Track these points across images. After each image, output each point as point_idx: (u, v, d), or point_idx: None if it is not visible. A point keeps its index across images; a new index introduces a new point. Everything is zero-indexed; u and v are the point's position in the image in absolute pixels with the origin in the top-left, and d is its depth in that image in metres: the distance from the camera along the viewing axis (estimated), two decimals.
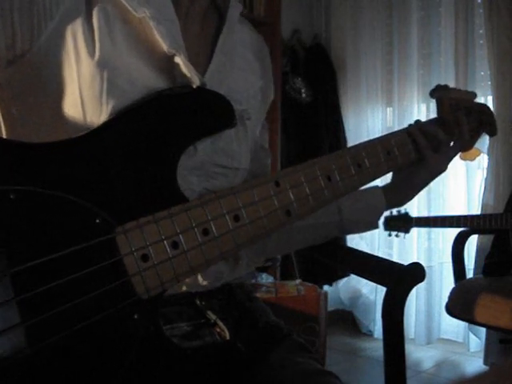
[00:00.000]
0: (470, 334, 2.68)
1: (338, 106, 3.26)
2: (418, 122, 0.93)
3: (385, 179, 0.92)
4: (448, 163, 0.93)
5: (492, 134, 1.04)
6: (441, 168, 0.92)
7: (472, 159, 1.03)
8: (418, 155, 0.89)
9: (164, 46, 0.67)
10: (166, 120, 0.65)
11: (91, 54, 0.64)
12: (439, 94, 0.97)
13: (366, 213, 0.91)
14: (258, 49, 0.87)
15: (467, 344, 2.75)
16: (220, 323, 0.74)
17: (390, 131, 0.92)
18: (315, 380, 0.73)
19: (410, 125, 0.92)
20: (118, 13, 0.67)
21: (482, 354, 2.56)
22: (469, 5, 2.71)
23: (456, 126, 0.93)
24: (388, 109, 3.12)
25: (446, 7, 2.80)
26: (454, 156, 0.95)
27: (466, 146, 0.98)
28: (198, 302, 0.74)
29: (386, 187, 0.93)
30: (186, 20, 0.75)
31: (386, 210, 0.93)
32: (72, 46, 0.64)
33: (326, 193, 0.74)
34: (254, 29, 0.88)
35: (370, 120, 3.16)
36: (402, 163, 0.87)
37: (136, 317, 0.58)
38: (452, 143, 0.93)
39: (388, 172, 0.87)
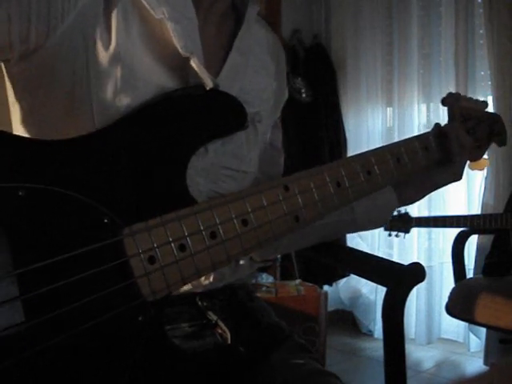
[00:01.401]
0: (470, 334, 2.68)
1: (338, 106, 3.25)
2: (437, 125, 0.92)
3: None
4: (463, 170, 0.93)
5: (502, 144, 1.03)
6: (459, 174, 0.92)
7: (481, 169, 1.03)
8: (447, 156, 0.89)
9: (179, 48, 0.67)
10: (177, 120, 0.64)
11: (106, 47, 0.64)
12: (451, 102, 0.96)
13: (378, 211, 0.91)
14: (274, 50, 0.86)
15: (467, 344, 2.75)
16: (221, 324, 0.73)
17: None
18: (317, 381, 0.73)
19: (444, 125, 0.92)
20: (136, 11, 0.67)
21: (482, 354, 2.56)
22: (469, 5, 2.71)
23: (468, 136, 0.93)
24: (388, 109, 3.11)
25: (446, 7, 2.80)
26: (465, 165, 0.95)
27: (475, 156, 0.98)
28: (200, 303, 0.74)
29: (397, 183, 0.91)
30: (204, 20, 0.74)
31: (398, 207, 0.93)
32: (87, 42, 0.64)
33: (334, 199, 0.74)
34: (271, 29, 0.87)
35: (370, 120, 3.15)
36: (411, 171, 0.86)
37: (140, 319, 0.58)
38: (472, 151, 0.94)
39: (398, 179, 0.86)
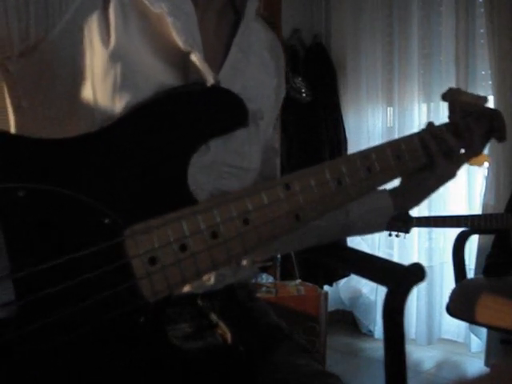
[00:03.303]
0: (471, 334, 2.68)
1: (338, 106, 3.25)
2: (430, 124, 0.91)
3: (393, 183, 0.91)
4: (457, 170, 0.91)
5: (501, 139, 1.02)
6: (450, 174, 0.90)
7: (480, 165, 1.02)
8: (429, 160, 0.87)
9: (180, 43, 0.66)
10: (178, 118, 0.64)
11: (105, 43, 0.63)
12: (451, 97, 0.95)
13: (373, 216, 0.90)
14: (273, 47, 0.86)
15: (468, 344, 2.75)
16: (222, 324, 0.73)
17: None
18: (317, 381, 0.72)
19: (423, 129, 0.90)
20: (134, 6, 0.66)
21: (482, 355, 2.56)
22: (469, 4, 2.71)
23: (467, 132, 0.91)
24: (388, 109, 3.11)
25: (446, 7, 2.80)
26: (464, 163, 0.93)
27: (475, 152, 0.97)
28: (200, 303, 0.73)
29: (394, 191, 0.92)
30: (203, 16, 0.73)
31: (394, 213, 0.92)
32: (86, 38, 0.63)
33: (335, 197, 0.73)
34: (269, 27, 0.87)
35: (370, 120, 3.15)
36: (412, 168, 0.86)
37: (142, 320, 0.57)
38: (462, 150, 0.92)
39: (398, 177, 0.86)
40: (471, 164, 1.01)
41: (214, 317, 0.73)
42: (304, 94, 3.08)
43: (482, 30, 2.67)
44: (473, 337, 2.68)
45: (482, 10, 2.62)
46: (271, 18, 2.78)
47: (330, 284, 3.18)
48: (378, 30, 3.09)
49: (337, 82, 3.28)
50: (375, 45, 3.10)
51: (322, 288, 2.57)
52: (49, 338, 0.52)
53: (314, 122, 3.16)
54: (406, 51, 2.97)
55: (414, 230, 2.46)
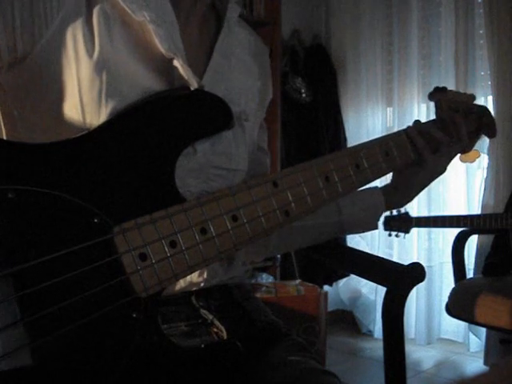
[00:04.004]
0: (470, 334, 2.68)
1: (338, 106, 3.26)
2: (417, 122, 0.93)
3: (384, 180, 0.92)
4: (447, 165, 0.93)
5: (491, 135, 1.04)
6: (440, 169, 0.92)
7: (471, 161, 1.03)
8: (417, 156, 0.89)
9: (162, 50, 0.68)
10: (163, 121, 0.65)
11: (90, 53, 0.65)
12: (438, 96, 0.96)
13: (365, 213, 0.91)
14: (257, 50, 0.87)
15: (467, 344, 2.75)
16: (217, 323, 0.74)
17: (391, 131, 0.92)
18: (314, 379, 0.73)
19: (410, 126, 0.92)
20: (117, 15, 0.68)
21: (482, 355, 2.56)
22: (469, 5, 2.71)
23: (454, 127, 0.93)
24: (388, 109, 3.12)
25: (446, 7, 2.80)
26: (453, 157, 0.94)
27: (465, 148, 0.98)
28: (195, 302, 0.74)
29: (385, 188, 0.93)
30: (185, 23, 0.75)
31: (386, 210, 0.93)
32: (72, 48, 0.65)
33: (324, 193, 0.74)
34: (253, 31, 0.89)
35: (370, 120, 3.15)
36: (400, 164, 0.87)
37: (135, 315, 0.59)
38: (451, 145, 0.93)
39: (387, 173, 0.87)
40: (463, 161, 1.02)
41: (209, 315, 0.74)
42: (304, 95, 3.08)
43: (481, 31, 2.67)
44: (472, 336, 2.68)
45: (482, 10, 2.63)
46: (271, 18, 2.78)
47: (330, 284, 3.19)
48: (378, 30, 3.10)
49: (337, 82, 3.28)
50: (375, 45, 3.11)
51: (321, 288, 2.57)
52: (40, 335, 0.53)
53: (313, 122, 3.16)
54: (406, 51, 2.98)
55: (414, 230, 2.46)
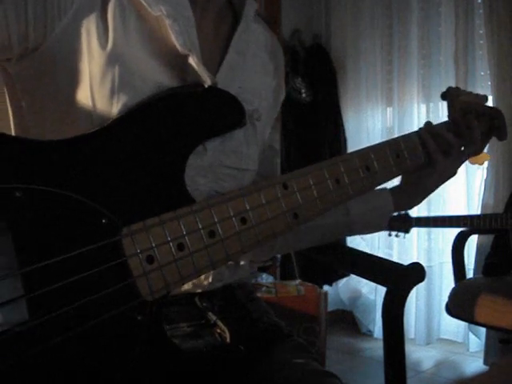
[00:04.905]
0: (470, 334, 2.68)
1: (338, 106, 3.25)
2: (428, 123, 0.91)
3: (393, 181, 0.91)
4: (458, 168, 0.91)
5: (502, 138, 1.02)
6: (450, 172, 0.90)
7: (481, 163, 1.01)
8: (428, 159, 0.88)
9: (177, 45, 0.67)
10: (175, 118, 0.64)
11: (103, 46, 0.64)
12: (450, 96, 0.95)
13: (373, 215, 0.90)
14: (273, 49, 0.86)
15: (467, 344, 2.75)
16: (220, 324, 0.73)
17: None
18: (316, 381, 0.73)
19: (422, 127, 0.90)
20: (133, 8, 0.67)
21: (481, 354, 2.56)
22: (469, 5, 2.71)
23: (467, 129, 0.91)
24: (388, 109, 3.11)
25: (445, 7, 2.80)
26: (465, 160, 0.93)
27: (476, 150, 0.97)
28: (199, 303, 0.74)
29: (394, 189, 0.92)
30: (201, 18, 0.74)
31: (394, 212, 0.91)
32: (85, 41, 0.64)
33: (334, 196, 0.73)
34: (268, 28, 0.87)
35: (370, 120, 3.15)
36: (411, 166, 0.86)
37: (139, 318, 0.58)
38: (462, 147, 0.92)
39: (397, 175, 0.86)
40: (472, 163, 1.01)
41: (212, 316, 0.74)
42: (304, 95, 3.08)
43: (481, 31, 2.67)
44: (472, 336, 2.69)
45: (482, 10, 2.63)
46: (271, 18, 2.78)
47: (330, 284, 3.18)
48: (378, 30, 3.09)
49: (336, 82, 3.28)
50: (375, 45, 3.11)
51: (321, 288, 2.57)
52: (47, 336, 0.52)
53: (313, 122, 3.16)
54: (406, 51, 2.98)
55: (414, 230, 2.46)
